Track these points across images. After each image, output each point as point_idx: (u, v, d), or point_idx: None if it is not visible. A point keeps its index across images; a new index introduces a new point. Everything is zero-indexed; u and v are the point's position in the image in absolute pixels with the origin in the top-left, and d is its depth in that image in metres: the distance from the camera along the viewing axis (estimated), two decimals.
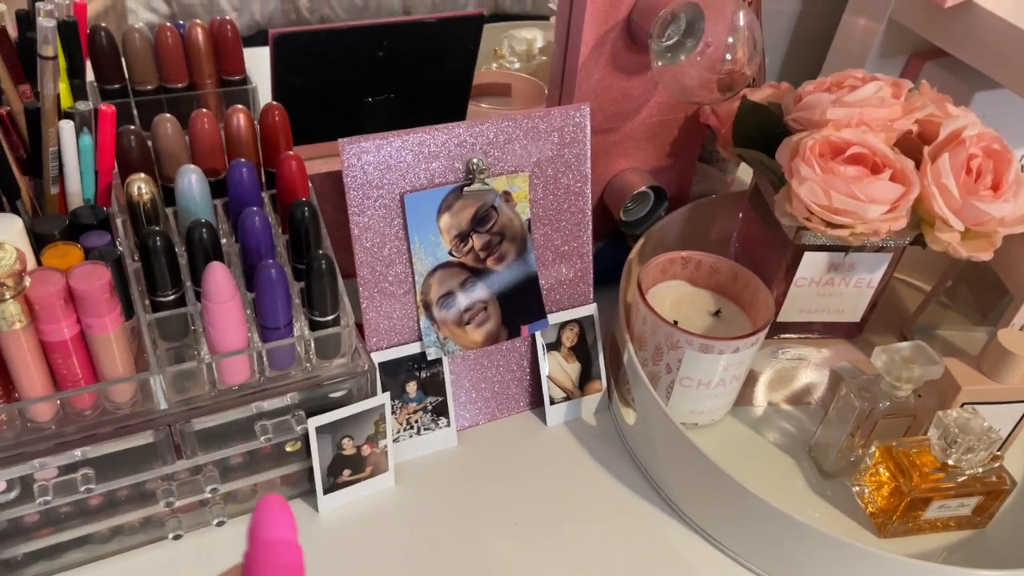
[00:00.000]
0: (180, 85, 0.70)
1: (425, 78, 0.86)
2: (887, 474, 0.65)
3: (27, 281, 0.46)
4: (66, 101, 0.66)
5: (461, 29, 0.83)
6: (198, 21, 0.69)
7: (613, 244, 0.86)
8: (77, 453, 0.53)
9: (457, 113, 0.91)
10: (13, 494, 0.53)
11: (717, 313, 0.74)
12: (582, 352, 0.74)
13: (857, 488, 0.69)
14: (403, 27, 0.80)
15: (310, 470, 0.63)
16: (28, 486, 0.53)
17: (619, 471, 0.71)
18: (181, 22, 0.70)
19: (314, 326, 0.58)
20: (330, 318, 0.58)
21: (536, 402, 0.75)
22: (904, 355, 0.65)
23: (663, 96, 0.80)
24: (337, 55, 0.79)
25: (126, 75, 0.69)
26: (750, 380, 0.78)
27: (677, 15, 0.70)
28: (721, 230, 0.90)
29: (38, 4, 0.54)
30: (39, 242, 0.50)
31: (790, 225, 0.72)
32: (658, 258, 0.74)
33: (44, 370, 0.50)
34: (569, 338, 0.74)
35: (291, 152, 0.58)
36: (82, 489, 0.53)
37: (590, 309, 0.74)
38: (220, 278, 0.52)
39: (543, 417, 0.74)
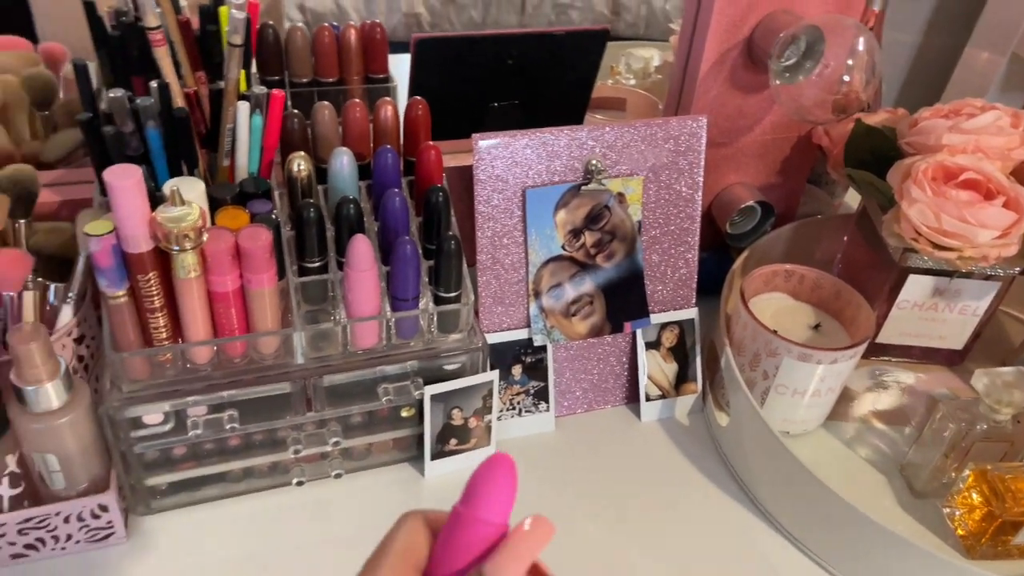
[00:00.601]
0: (331, 80, 0.77)
1: (548, 87, 0.91)
2: (980, 498, 0.66)
3: (205, 236, 0.53)
4: (241, 86, 0.74)
5: (587, 42, 0.88)
6: (352, 23, 0.76)
7: (717, 255, 0.88)
8: (225, 395, 0.60)
9: (575, 122, 0.96)
10: (168, 426, 0.60)
11: (817, 327, 0.76)
12: (680, 354, 0.77)
13: (948, 509, 0.69)
14: (533, 38, 0.86)
15: (420, 437, 0.69)
16: (182, 421, 0.60)
17: (709, 470, 0.73)
18: (336, 23, 0.77)
19: (438, 301, 0.63)
20: (453, 295, 0.63)
21: (632, 397, 0.78)
22: (1006, 379, 0.66)
23: (778, 115, 0.83)
24: (470, 61, 0.86)
25: (285, 68, 0.76)
26: (846, 396, 0.80)
27: (798, 37, 0.73)
28: (826, 251, 0.91)
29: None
30: (213, 205, 0.57)
31: (896, 246, 0.73)
32: (762, 269, 0.77)
33: (208, 318, 0.57)
34: (669, 339, 0.77)
35: (430, 143, 0.64)
36: (227, 428, 0.60)
37: (691, 313, 0.77)
38: (363, 248, 0.58)
39: (638, 412, 0.78)
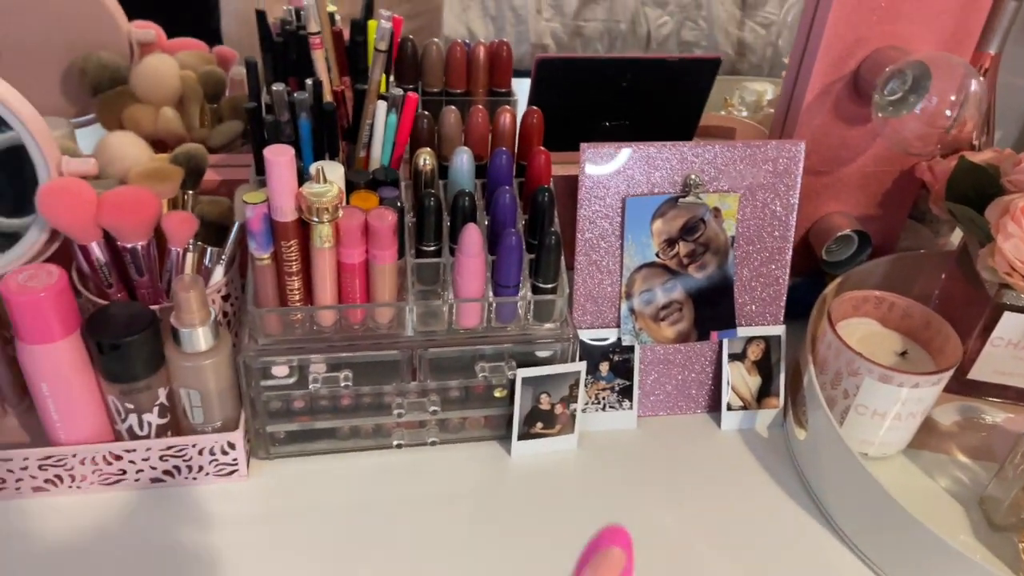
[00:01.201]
0: (459, 91, 0.85)
1: (659, 110, 0.97)
2: None
3: (340, 212, 0.61)
4: (381, 89, 0.83)
5: (698, 70, 0.93)
6: (482, 41, 0.84)
7: (811, 281, 0.91)
8: (343, 356, 0.68)
9: None
10: (292, 379, 0.69)
11: (903, 354, 0.77)
12: (764, 368, 0.80)
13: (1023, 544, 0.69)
14: (647, 63, 0.92)
15: (509, 418, 0.75)
16: (304, 376, 0.68)
17: (784, 483, 0.76)
18: (468, 41, 0.85)
19: (536, 291, 0.69)
20: (550, 286, 0.69)
21: (713, 406, 0.82)
22: None
23: (880, 148, 0.85)
24: (587, 81, 0.92)
25: (419, 78, 0.85)
26: (930, 427, 0.80)
27: (904, 71, 0.76)
28: (924, 286, 0.92)
29: (380, 12, 0.71)
30: (348, 188, 0.65)
31: (991, 280, 0.75)
32: (852, 293, 0.79)
33: (335, 286, 0.65)
34: (754, 352, 0.80)
35: (541, 148, 0.70)
36: (342, 385, 0.68)
37: (778, 330, 0.80)
38: (474, 235, 0.65)
39: (718, 421, 0.81)
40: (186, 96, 0.81)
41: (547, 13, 2.92)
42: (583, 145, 0.72)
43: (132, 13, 0.84)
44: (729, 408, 0.80)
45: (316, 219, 0.61)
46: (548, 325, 0.71)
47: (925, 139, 0.76)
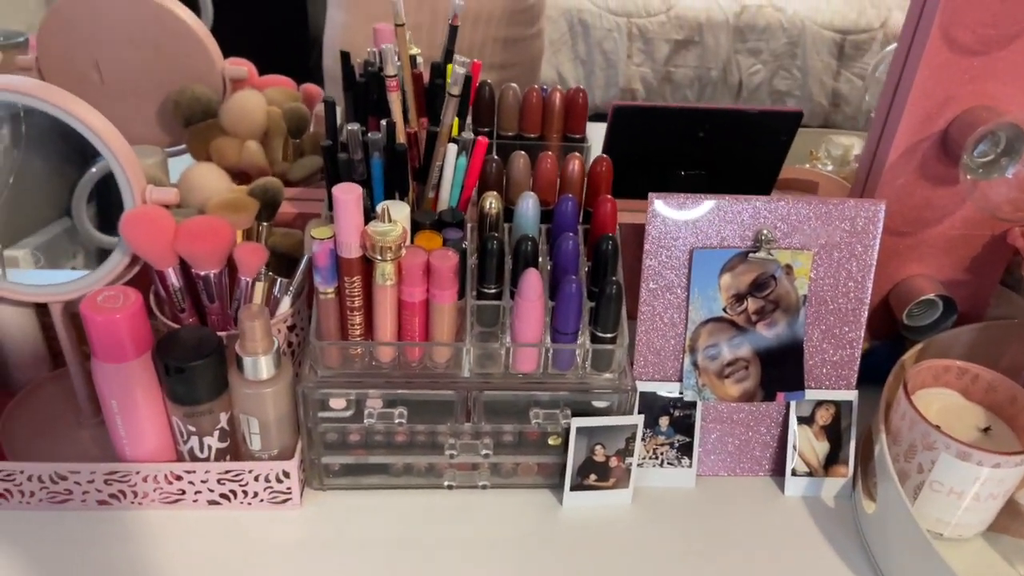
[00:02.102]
0: (532, 135, 0.86)
1: (736, 162, 0.95)
2: None
3: (403, 251, 0.62)
4: (454, 131, 0.84)
5: (780, 123, 0.91)
6: (558, 87, 0.85)
7: (889, 346, 0.87)
8: (399, 392, 0.68)
9: None
10: (349, 412, 0.70)
11: (987, 430, 0.73)
12: (833, 434, 0.77)
13: None
14: (727, 114, 0.91)
15: (563, 467, 0.73)
16: (360, 409, 0.69)
17: (849, 559, 0.72)
18: (545, 86, 0.86)
19: (595, 340, 0.68)
20: (610, 336, 0.68)
21: (777, 470, 0.79)
22: None
23: (969, 211, 0.81)
24: (663, 130, 0.92)
25: (495, 121, 0.87)
26: (1010, 509, 0.75)
27: (996, 133, 0.72)
28: (1013, 359, 0.87)
29: (456, 57, 0.72)
30: (414, 227, 0.66)
31: None
32: (932, 362, 0.75)
33: (395, 323, 0.66)
34: (823, 417, 0.77)
35: (608, 196, 0.70)
36: (396, 421, 0.68)
37: (850, 395, 0.77)
38: (533, 281, 0.65)
39: (781, 486, 0.78)
40: (270, 131, 0.85)
41: (637, 58, 2.94)
42: (652, 195, 0.72)
43: (235, 51, 0.89)
44: (794, 474, 0.77)
45: (379, 257, 0.62)
46: (606, 375, 0.70)
47: (1017, 204, 0.72)
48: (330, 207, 0.73)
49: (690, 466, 0.77)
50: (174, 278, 0.66)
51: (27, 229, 0.69)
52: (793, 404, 0.76)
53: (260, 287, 0.69)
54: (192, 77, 0.85)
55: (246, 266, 0.66)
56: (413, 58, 0.80)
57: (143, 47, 0.83)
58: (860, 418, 0.77)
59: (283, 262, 0.72)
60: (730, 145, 0.93)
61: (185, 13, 0.84)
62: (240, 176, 0.87)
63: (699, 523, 0.74)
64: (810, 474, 0.77)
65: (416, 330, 0.66)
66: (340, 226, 0.61)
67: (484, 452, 0.71)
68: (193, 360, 0.63)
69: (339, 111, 0.74)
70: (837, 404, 0.77)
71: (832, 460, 0.77)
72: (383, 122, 0.69)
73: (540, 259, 0.70)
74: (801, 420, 0.77)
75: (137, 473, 0.68)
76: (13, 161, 0.65)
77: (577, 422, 0.70)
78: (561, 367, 0.69)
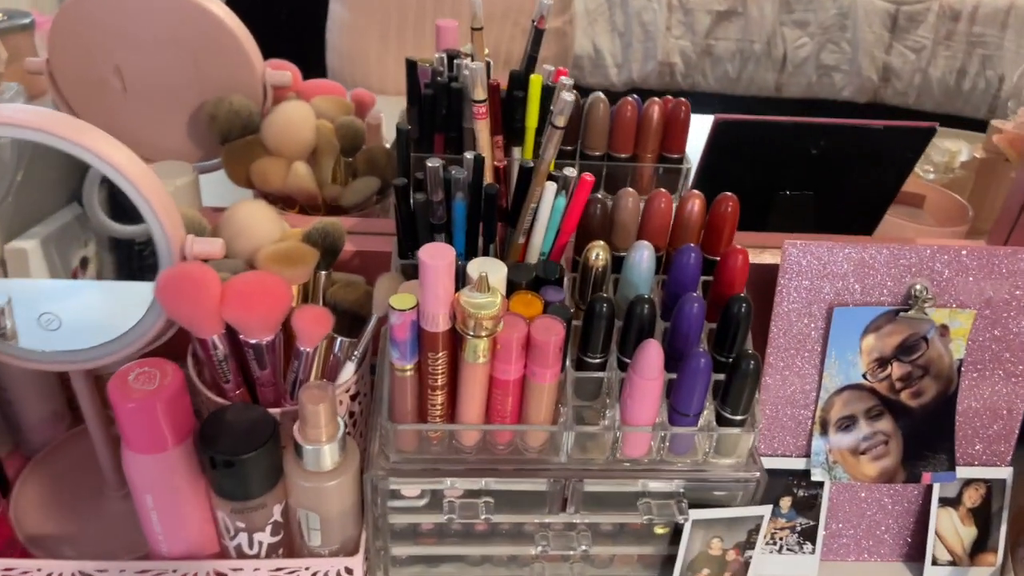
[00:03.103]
0: (624, 155, 0.74)
1: (850, 182, 0.83)
2: None
3: (501, 326, 0.51)
4: (527, 154, 0.72)
5: (907, 140, 0.79)
6: (656, 99, 0.73)
7: None
8: (483, 483, 0.57)
9: (870, 222, 0.87)
10: (423, 501, 0.59)
11: None
12: (982, 517, 0.66)
13: None
14: (847, 129, 0.78)
15: (667, 558, 0.63)
16: (437, 499, 0.58)
17: None
18: (637, 96, 0.74)
19: (721, 421, 0.57)
20: (739, 418, 0.56)
21: (914, 556, 0.68)
22: None
23: None
24: (771, 146, 0.79)
25: (579, 138, 0.74)
26: None
27: None
28: None
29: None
30: (508, 287, 0.55)
31: None
32: None
33: (484, 403, 0.55)
34: (972, 498, 0.66)
35: (738, 247, 0.58)
36: (482, 517, 0.57)
37: (1004, 472, 0.66)
38: (655, 356, 0.53)
39: (918, 573, 0.67)
40: (320, 149, 0.73)
41: (677, 31, 2.77)
42: (787, 242, 0.60)
43: None
44: (935, 562, 0.66)
45: (472, 333, 0.50)
46: (728, 460, 0.59)
47: None
48: (401, 254, 0.61)
49: (813, 552, 0.66)
50: (220, 345, 0.55)
51: (34, 217, 0.58)
52: (937, 484, 0.65)
53: (319, 357, 0.57)
54: (228, 83, 0.73)
55: (307, 336, 0.55)
56: (487, 65, 0.68)
57: (172, 48, 0.71)
58: (1013, 495, 0.66)
59: (345, 318, 0.61)
60: (846, 163, 0.81)
61: (220, 8, 0.71)
62: (286, 201, 0.75)
63: None
64: (953, 563, 0.66)
65: (508, 410, 0.55)
66: (426, 296, 0.50)
67: (581, 548, 0.60)
68: (244, 451, 0.52)
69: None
70: (989, 483, 0.65)
71: (980, 547, 0.66)
72: (468, 155, 0.57)
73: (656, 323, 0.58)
74: (945, 502, 0.66)
75: (174, 572, 0.58)
76: (19, 156, 0.54)
77: (696, 515, 0.59)
78: (678, 452, 0.58)
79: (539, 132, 0.71)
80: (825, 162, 0.80)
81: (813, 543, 0.66)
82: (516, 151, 0.72)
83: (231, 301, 0.53)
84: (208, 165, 0.78)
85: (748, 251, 0.59)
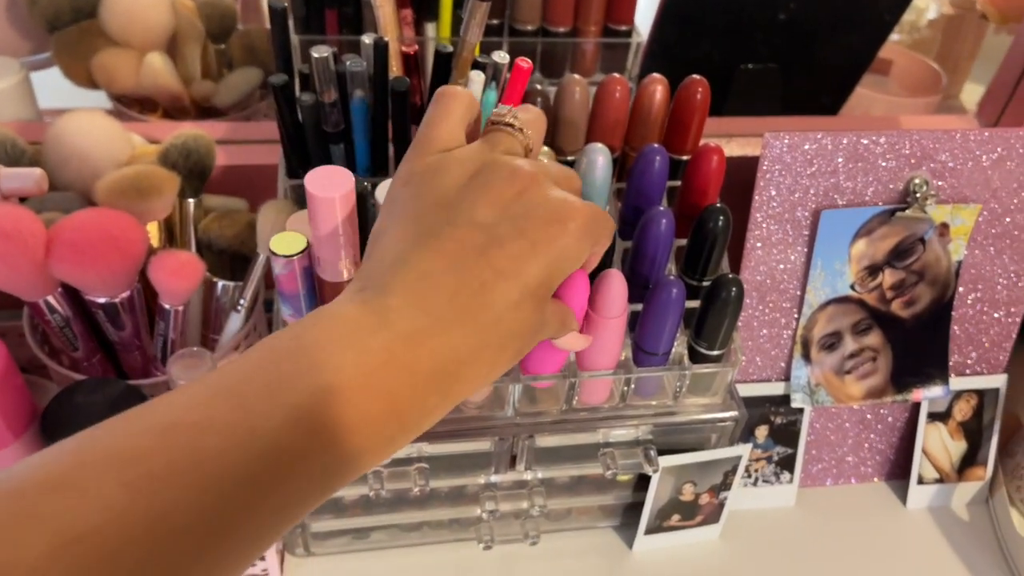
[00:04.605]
0: (562, 29, 0.60)
1: (819, 51, 0.72)
2: None
3: None
4: (443, 32, 0.59)
5: (886, 1, 0.67)
6: None
7: None
8: (414, 449, 0.47)
9: (838, 97, 0.76)
10: None
11: None
12: (973, 430, 0.59)
13: None
14: None
15: (632, 506, 0.55)
16: None
17: None
18: None
19: (695, 357, 0.47)
20: (716, 353, 0.47)
21: (896, 474, 0.62)
22: None
23: None
24: (732, 13, 0.67)
25: (506, 9, 0.61)
26: None
27: None
28: None
29: None
30: None
31: None
32: None
33: None
34: (962, 411, 0.59)
35: (711, 144, 0.47)
36: (415, 490, 0.47)
37: (999, 381, 0.59)
38: (618, 291, 0.43)
39: (902, 495, 0.61)
40: (181, 35, 0.57)
41: None
42: (768, 135, 0.49)
43: None
44: (920, 481, 0.60)
45: None
46: (703, 400, 0.50)
47: None
48: (290, 173, 0.48)
49: (790, 481, 0.59)
50: (58, 308, 0.42)
51: None
52: (927, 400, 0.58)
53: (198, 307, 0.45)
54: None
55: (170, 292, 0.42)
56: None
57: None
58: (1004, 407, 0.60)
59: (225, 257, 0.48)
60: (817, 30, 0.69)
61: None
62: (143, 104, 0.60)
63: (802, 549, 0.58)
64: (940, 480, 0.60)
65: None
66: (319, 237, 0.37)
67: (535, 508, 0.51)
68: None
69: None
70: (981, 393, 0.59)
71: (968, 461, 0.60)
72: (366, 39, 0.43)
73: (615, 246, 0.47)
74: (934, 416, 0.59)
75: None
76: None
77: (666, 461, 0.50)
78: (644, 394, 0.49)
79: (457, 2, 0.57)
80: (793, 29, 0.69)
81: (791, 472, 0.59)
82: (430, 28, 0.58)
83: (61, 253, 0.40)
84: (41, 60, 0.62)
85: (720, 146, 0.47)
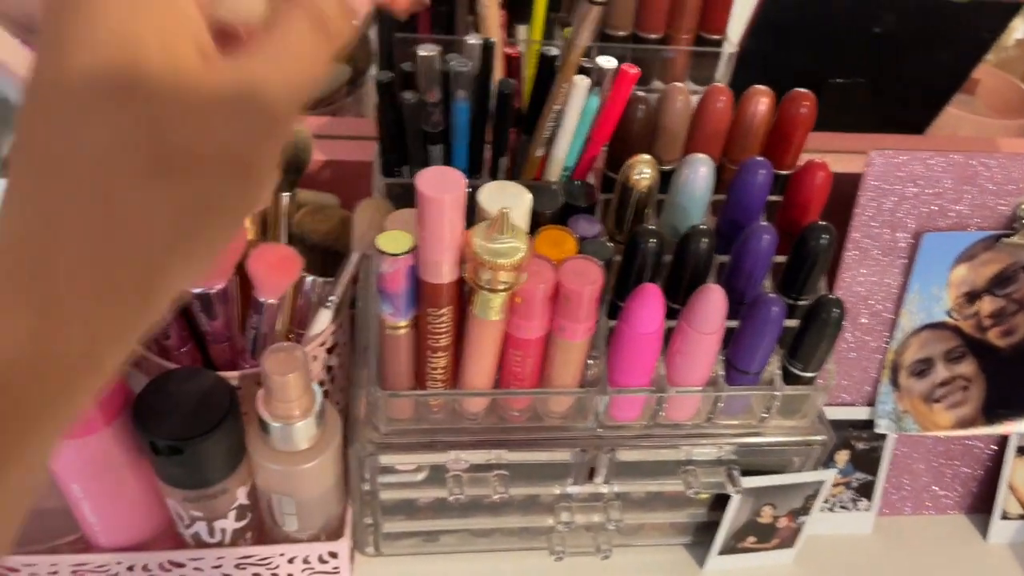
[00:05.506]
0: (653, 36, 0.60)
1: (912, 67, 0.70)
2: None
3: (524, 277, 0.38)
4: (535, 34, 0.58)
5: (986, 16, 0.65)
6: None
7: None
8: (494, 456, 0.47)
9: (927, 116, 0.74)
10: (421, 476, 0.48)
11: None
12: None
13: None
14: (922, 4, 0.64)
15: (706, 524, 0.54)
16: (439, 472, 0.48)
17: None
18: None
19: (790, 379, 0.46)
20: (810, 375, 0.46)
21: (978, 507, 0.60)
22: None
23: None
24: (827, 24, 0.65)
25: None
26: None
27: None
28: None
29: None
30: (532, 220, 0.42)
31: None
32: None
33: (495, 364, 0.43)
34: None
35: (818, 160, 0.45)
36: (496, 497, 0.47)
37: None
38: (717, 306, 0.42)
39: (983, 528, 0.59)
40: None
41: None
42: (873, 153, 0.47)
43: None
44: (1004, 516, 0.58)
45: (487, 286, 0.38)
46: (791, 422, 0.48)
47: None
48: (385, 171, 0.48)
49: (868, 509, 0.58)
50: None
51: None
52: (1016, 432, 0.56)
53: (286, 303, 0.45)
54: None
55: (268, 286, 0.42)
56: None
57: None
58: None
59: (316, 252, 0.48)
60: (911, 46, 0.67)
61: None
62: None
63: None
64: None
65: (527, 372, 0.44)
66: (427, 239, 0.37)
67: (612, 523, 0.51)
68: (194, 433, 0.40)
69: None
70: None
71: None
72: (471, 40, 0.43)
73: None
74: (1023, 450, 0.57)
75: (119, 564, 0.47)
76: None
77: (748, 482, 0.49)
78: (730, 413, 0.48)
79: (552, 4, 0.57)
80: (887, 44, 0.67)
81: (869, 499, 0.57)
82: (521, 30, 0.58)
83: None
84: None
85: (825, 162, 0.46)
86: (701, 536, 0.55)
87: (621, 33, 0.60)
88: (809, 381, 0.46)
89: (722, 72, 0.63)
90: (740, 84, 0.50)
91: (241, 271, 0.44)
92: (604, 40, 0.61)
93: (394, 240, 0.38)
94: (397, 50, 0.49)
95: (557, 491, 0.50)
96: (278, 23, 0.20)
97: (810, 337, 0.44)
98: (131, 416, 0.42)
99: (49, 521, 0.52)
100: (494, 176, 0.48)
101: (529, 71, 0.48)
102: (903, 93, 0.72)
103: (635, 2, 0.59)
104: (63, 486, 0.43)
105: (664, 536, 0.55)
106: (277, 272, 0.42)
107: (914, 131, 0.75)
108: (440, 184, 0.35)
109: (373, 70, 0.62)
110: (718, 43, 0.62)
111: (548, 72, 0.44)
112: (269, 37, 0.20)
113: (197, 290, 0.42)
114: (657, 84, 0.63)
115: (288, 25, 0.20)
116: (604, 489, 0.50)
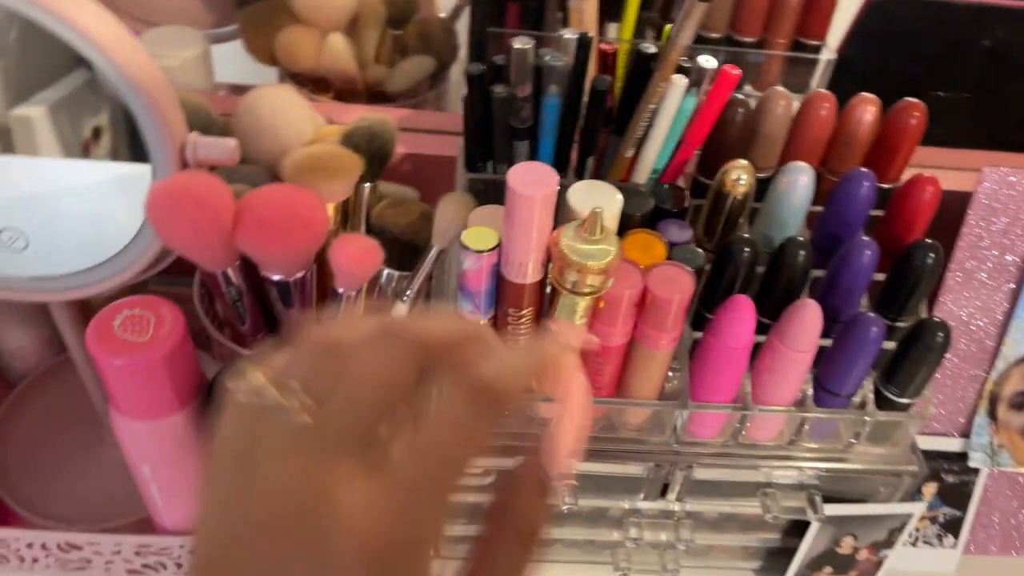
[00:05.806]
0: (749, 39, 0.57)
1: (1020, 82, 0.66)
2: None
3: (611, 282, 0.37)
4: (626, 32, 0.56)
5: None
6: None
7: None
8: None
9: None
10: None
11: None
12: None
13: None
14: None
15: (779, 551, 0.51)
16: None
17: None
18: None
19: (882, 403, 0.44)
20: (906, 401, 0.43)
21: None
22: None
23: None
24: (932, 35, 0.62)
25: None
26: None
27: None
28: None
29: None
30: (621, 222, 0.41)
31: None
32: None
33: None
34: None
35: (925, 174, 0.43)
36: (564, 508, 0.46)
37: None
38: (813, 323, 0.40)
39: None
40: (363, 18, 0.57)
41: None
42: (986, 170, 0.45)
43: None
44: None
45: (573, 289, 0.36)
46: (880, 450, 0.46)
47: None
48: (468, 165, 0.47)
49: (954, 547, 0.54)
50: (234, 280, 0.42)
51: (41, 80, 0.45)
52: None
53: (362, 296, 0.44)
54: None
55: (349, 276, 0.42)
56: None
57: None
58: None
59: (394, 245, 0.47)
60: (1020, 61, 0.64)
61: None
62: (316, 84, 0.60)
63: None
64: None
65: (605, 381, 0.42)
66: (514, 237, 0.36)
67: (682, 543, 0.49)
68: None
69: None
70: None
71: None
72: (567, 34, 0.41)
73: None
74: None
75: (181, 547, 0.47)
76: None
77: (831, 510, 0.47)
78: (816, 436, 0.45)
79: (644, 3, 0.55)
80: (995, 57, 0.63)
81: (955, 536, 0.54)
82: (611, 28, 0.56)
83: (248, 226, 0.39)
84: (223, 33, 0.63)
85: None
86: (772, 562, 0.53)
87: (715, 35, 0.58)
88: (904, 408, 0.44)
89: (818, 79, 0.60)
90: (837, 92, 0.48)
91: (318, 257, 0.43)
92: (697, 41, 0.59)
93: (480, 236, 0.37)
94: (488, 44, 0.48)
95: (627, 505, 0.48)
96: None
97: (910, 361, 0.42)
98: (204, 401, 0.42)
99: (116, 501, 0.52)
100: (580, 176, 0.47)
101: (617, 71, 0.46)
102: (1010, 110, 0.68)
103: (733, 3, 0.57)
104: (133, 467, 0.43)
105: (733, 559, 0.53)
106: (358, 263, 0.41)
107: (1016, 149, 0.71)
108: (531, 181, 0.34)
109: (457, 65, 0.61)
110: (816, 49, 0.59)
111: (643, 70, 0.42)
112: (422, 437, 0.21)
113: (276, 277, 0.42)
114: (748, 89, 0.60)
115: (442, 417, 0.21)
116: (676, 507, 0.49)
